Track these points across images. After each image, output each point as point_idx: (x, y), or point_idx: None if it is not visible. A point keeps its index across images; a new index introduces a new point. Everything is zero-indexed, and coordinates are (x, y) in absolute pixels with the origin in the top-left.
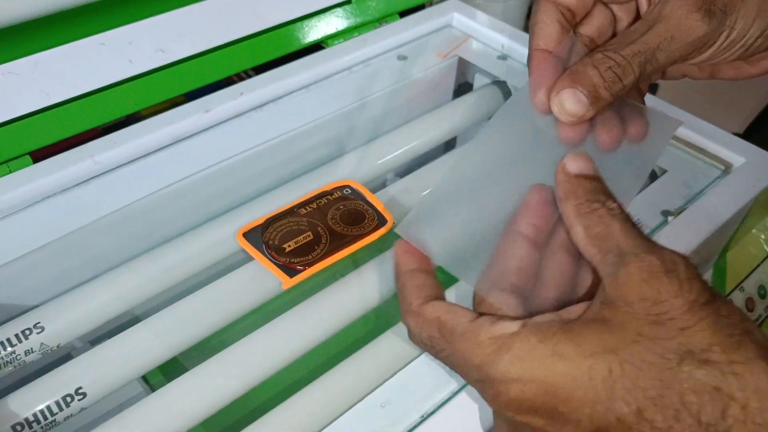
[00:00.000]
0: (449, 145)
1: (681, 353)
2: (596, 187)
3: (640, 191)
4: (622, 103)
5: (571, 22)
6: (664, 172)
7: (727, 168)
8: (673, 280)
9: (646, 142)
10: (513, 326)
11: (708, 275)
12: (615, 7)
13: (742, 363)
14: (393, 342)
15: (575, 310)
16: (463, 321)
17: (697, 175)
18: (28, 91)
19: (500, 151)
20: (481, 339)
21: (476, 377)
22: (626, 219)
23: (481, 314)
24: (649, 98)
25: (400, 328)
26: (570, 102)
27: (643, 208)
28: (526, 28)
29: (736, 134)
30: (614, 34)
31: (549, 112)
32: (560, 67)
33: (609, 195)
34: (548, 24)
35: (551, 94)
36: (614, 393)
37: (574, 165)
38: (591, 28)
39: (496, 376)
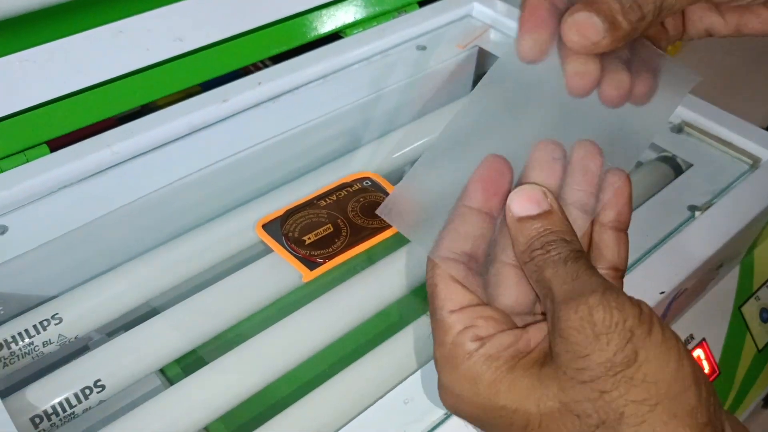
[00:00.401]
0: None
1: (597, 423)
2: (540, 231)
3: (667, 185)
4: (634, 53)
5: None
6: (690, 166)
7: (755, 162)
8: (599, 335)
9: (658, 97)
10: (471, 345)
11: (735, 273)
12: None
13: None
14: (415, 337)
15: (534, 338)
16: (449, 307)
17: (725, 170)
18: (45, 80)
19: (488, 116)
20: (446, 339)
21: (436, 366)
22: (565, 261)
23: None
24: None
25: (422, 323)
26: (585, 26)
27: (669, 203)
28: None
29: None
30: None
31: (539, 59)
32: (558, 16)
33: (557, 235)
34: None
35: (564, 17)
36: None
37: (518, 207)
38: None
39: (442, 380)
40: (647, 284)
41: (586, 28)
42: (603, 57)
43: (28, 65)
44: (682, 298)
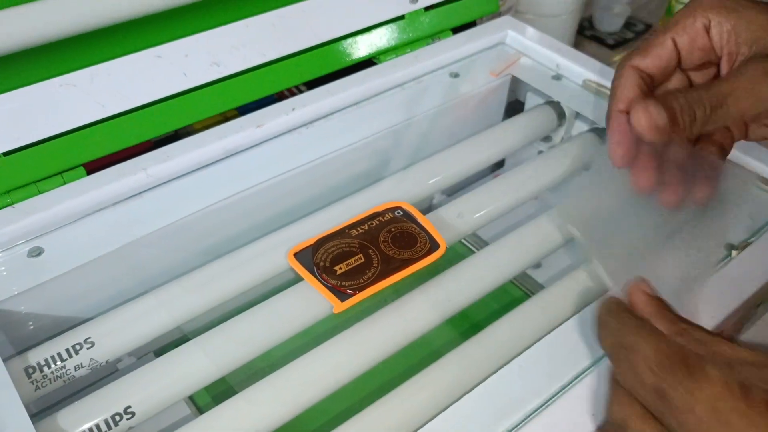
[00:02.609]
0: (497, 164)
1: None
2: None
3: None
4: (696, 163)
5: (650, 87)
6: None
7: None
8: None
9: (723, 198)
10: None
11: None
12: (692, 73)
13: None
14: (447, 370)
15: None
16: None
17: (763, 207)
18: (84, 103)
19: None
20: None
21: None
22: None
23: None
24: None
25: (457, 354)
26: (651, 113)
27: (705, 240)
28: (577, 45)
29: None
30: None
31: (626, 166)
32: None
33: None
34: (628, 88)
35: (635, 106)
36: None
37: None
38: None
39: (677, 402)
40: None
41: (651, 114)
42: (664, 166)
43: (69, 89)
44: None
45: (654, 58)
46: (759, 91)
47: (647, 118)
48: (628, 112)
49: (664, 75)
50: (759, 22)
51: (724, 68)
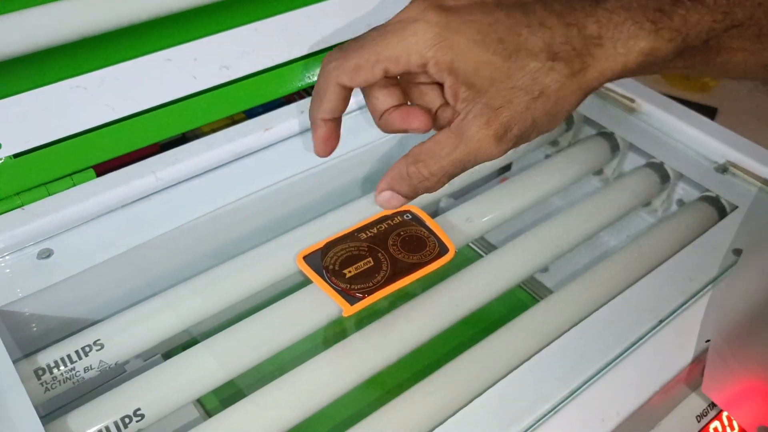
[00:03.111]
0: (504, 168)
1: None
2: None
3: (711, 227)
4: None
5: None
6: (735, 207)
7: None
8: None
9: None
10: None
11: None
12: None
13: None
14: (457, 375)
15: None
16: None
17: None
18: (94, 106)
19: None
20: None
21: None
22: None
23: None
24: (707, 123)
25: (465, 359)
26: (391, 200)
27: (713, 246)
28: None
29: None
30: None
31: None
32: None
33: None
34: (332, 101)
35: (376, 193)
36: None
37: None
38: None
39: None
40: (693, 330)
41: (392, 202)
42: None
43: (79, 91)
44: None
45: (363, 82)
46: (486, 154)
47: (393, 202)
48: (332, 119)
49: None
50: (478, 48)
51: (450, 100)
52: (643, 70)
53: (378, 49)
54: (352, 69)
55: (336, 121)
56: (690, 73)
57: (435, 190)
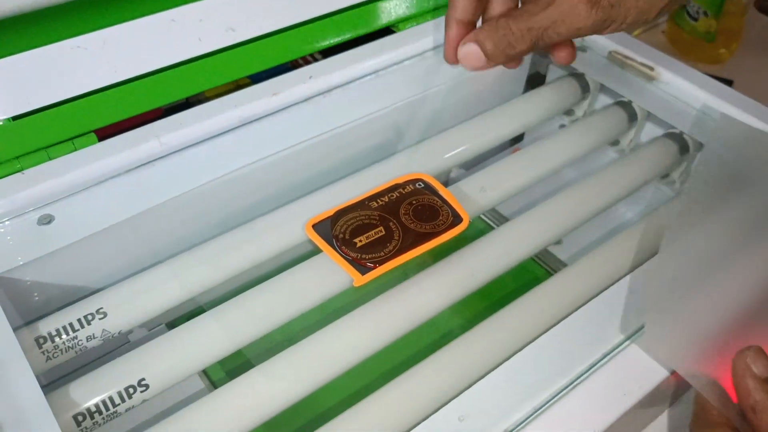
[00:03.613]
0: (516, 139)
1: None
2: None
3: None
4: None
5: None
6: None
7: None
8: None
9: None
10: None
11: None
12: None
13: None
14: (470, 348)
15: None
16: None
17: None
18: (95, 67)
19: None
20: None
21: None
22: None
23: None
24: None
25: (478, 332)
26: (472, 55)
27: None
28: None
29: None
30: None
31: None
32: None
33: None
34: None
35: (460, 44)
36: None
37: None
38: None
39: None
40: None
41: (472, 57)
42: None
43: (80, 52)
44: None
45: None
46: (575, 21)
47: (472, 58)
48: (464, 21)
49: None
50: None
51: None
52: None
53: None
54: None
55: (469, 26)
56: None
57: (517, 52)
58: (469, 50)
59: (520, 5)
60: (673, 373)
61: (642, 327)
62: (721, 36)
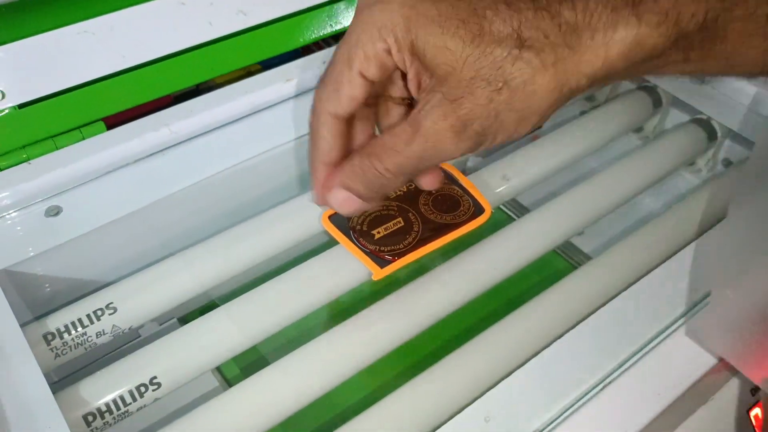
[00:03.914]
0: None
1: None
2: None
3: None
4: None
5: (347, 129)
6: None
7: None
8: None
9: None
10: None
11: None
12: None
13: None
14: (496, 345)
15: None
16: None
17: None
18: (103, 53)
19: None
20: None
21: None
22: None
23: None
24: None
25: (503, 327)
26: (347, 201)
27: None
28: None
29: None
30: None
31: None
32: None
33: None
34: (329, 140)
35: (328, 191)
36: None
37: None
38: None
39: None
40: None
41: (347, 204)
42: None
43: (88, 37)
44: None
45: (348, 100)
46: (443, 151)
47: (348, 205)
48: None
49: (370, 100)
50: (439, 29)
51: (413, 91)
52: (631, 66)
53: (347, 48)
54: (334, 89)
55: (338, 166)
56: (693, 71)
57: (392, 190)
58: (343, 197)
59: (376, 131)
60: (714, 366)
61: (678, 318)
62: None
